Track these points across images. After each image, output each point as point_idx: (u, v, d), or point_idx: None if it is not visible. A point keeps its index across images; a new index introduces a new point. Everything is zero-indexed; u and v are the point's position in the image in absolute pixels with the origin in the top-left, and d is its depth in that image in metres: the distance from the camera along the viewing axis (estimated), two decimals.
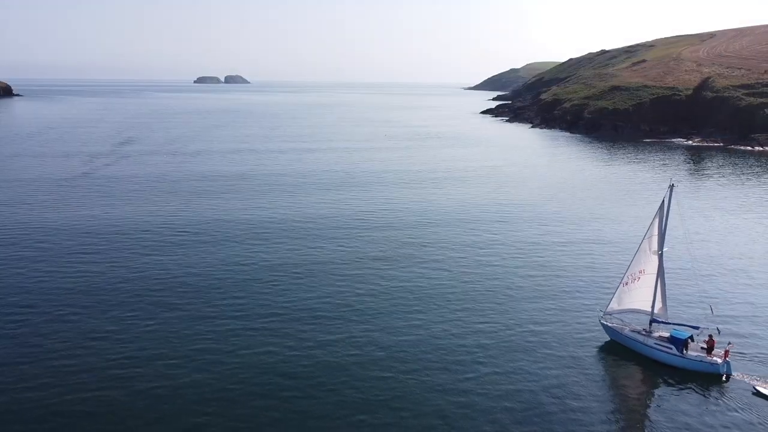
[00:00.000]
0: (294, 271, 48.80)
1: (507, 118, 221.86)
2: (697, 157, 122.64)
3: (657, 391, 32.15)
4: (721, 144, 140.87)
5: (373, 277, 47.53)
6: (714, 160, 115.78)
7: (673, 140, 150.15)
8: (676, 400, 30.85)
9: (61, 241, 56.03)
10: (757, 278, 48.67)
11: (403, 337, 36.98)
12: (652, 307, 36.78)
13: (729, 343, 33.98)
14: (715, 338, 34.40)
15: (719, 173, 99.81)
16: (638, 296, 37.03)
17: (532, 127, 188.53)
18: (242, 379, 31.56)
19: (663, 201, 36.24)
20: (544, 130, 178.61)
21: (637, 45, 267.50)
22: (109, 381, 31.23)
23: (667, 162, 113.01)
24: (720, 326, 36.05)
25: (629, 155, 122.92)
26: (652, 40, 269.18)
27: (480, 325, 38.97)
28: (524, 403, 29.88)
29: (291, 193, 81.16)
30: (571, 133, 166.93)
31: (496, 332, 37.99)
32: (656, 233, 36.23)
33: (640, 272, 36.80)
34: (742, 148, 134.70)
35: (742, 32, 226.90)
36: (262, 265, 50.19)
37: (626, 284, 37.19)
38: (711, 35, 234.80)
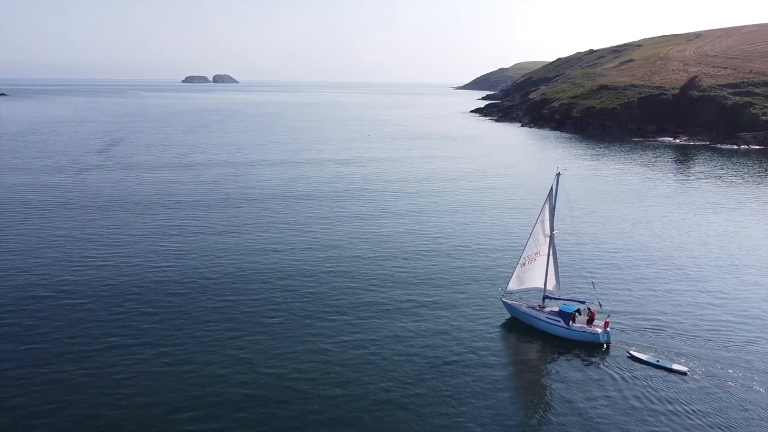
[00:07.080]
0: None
1: (496, 118, 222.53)
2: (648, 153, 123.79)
3: (547, 360, 35.22)
4: (708, 143, 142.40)
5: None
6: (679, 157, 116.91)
7: (659, 139, 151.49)
8: (563, 366, 34.23)
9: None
10: (634, 256, 53.43)
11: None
12: (545, 284, 39.65)
13: (608, 315, 37.54)
14: (596, 311, 37.89)
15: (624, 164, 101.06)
16: (534, 276, 39.99)
17: (521, 126, 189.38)
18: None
19: (551, 188, 38.75)
20: (533, 129, 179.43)
21: (625, 45, 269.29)
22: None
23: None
24: (601, 300, 39.85)
25: (609, 154, 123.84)
26: (640, 40, 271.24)
27: (388, 305, 41.03)
28: (430, 377, 31.98)
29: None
30: (559, 132, 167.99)
31: (404, 312, 39.98)
32: (547, 217, 39.04)
33: (536, 254, 39.63)
34: (727, 146, 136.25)
35: (728, 32, 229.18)
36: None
37: (523, 265, 39.85)
38: (697, 35, 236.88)
